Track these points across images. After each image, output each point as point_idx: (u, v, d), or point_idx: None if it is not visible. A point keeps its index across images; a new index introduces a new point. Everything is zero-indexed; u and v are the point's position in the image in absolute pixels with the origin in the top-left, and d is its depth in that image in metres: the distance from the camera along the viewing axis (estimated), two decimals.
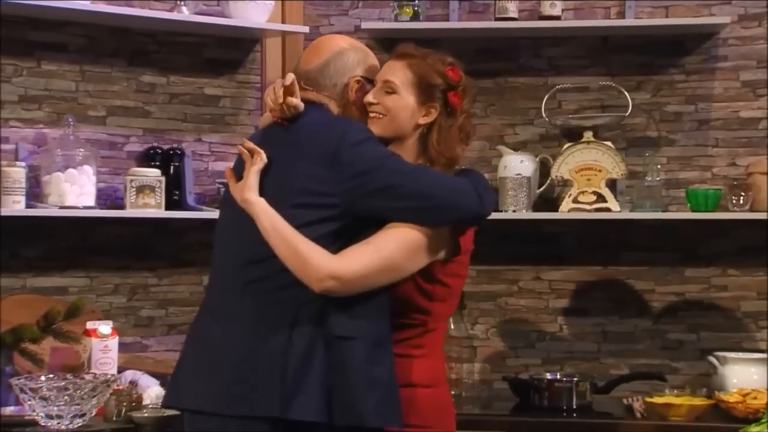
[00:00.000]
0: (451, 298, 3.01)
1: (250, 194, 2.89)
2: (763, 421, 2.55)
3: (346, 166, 2.83)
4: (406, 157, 2.94)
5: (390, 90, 2.96)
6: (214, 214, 4.18)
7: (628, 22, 4.48)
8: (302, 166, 2.90)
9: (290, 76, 3.04)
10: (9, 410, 3.65)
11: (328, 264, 2.76)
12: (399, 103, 2.96)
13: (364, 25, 4.43)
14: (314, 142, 2.93)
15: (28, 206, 3.94)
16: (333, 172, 2.84)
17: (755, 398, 3.87)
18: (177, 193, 4.25)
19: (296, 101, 3.00)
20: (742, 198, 4.29)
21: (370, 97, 2.99)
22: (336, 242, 2.82)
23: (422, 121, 2.95)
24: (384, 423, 2.82)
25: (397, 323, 2.89)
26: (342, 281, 2.76)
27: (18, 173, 3.90)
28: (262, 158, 2.94)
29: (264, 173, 2.95)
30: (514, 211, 4.35)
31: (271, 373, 2.79)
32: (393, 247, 2.81)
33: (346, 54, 3.10)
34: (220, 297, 3.00)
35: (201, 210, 4.29)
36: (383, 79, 2.99)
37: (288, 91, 3.00)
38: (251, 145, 2.97)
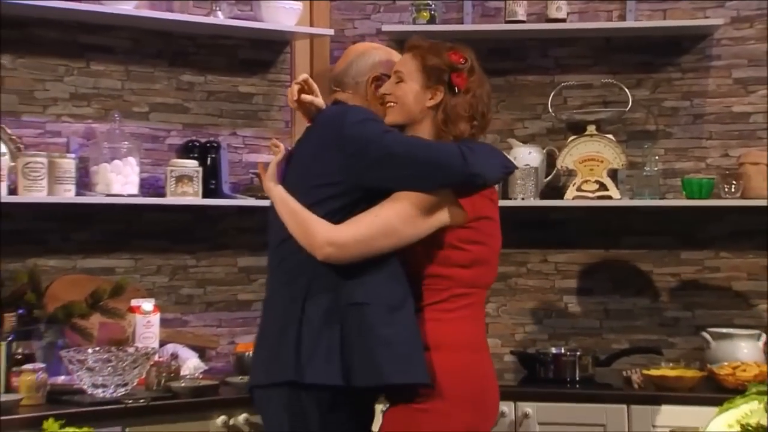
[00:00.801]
0: (477, 265, 2.93)
1: (268, 182, 2.97)
2: (748, 393, 2.51)
3: (347, 144, 2.84)
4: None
5: (399, 79, 2.98)
6: (247, 201, 4.23)
7: (629, 24, 4.45)
8: (313, 153, 2.95)
9: (302, 76, 3.08)
10: (60, 380, 3.68)
11: (326, 232, 2.79)
12: (406, 89, 2.96)
13: (385, 28, 4.41)
14: (323, 128, 2.98)
15: (77, 194, 3.95)
16: (336, 152, 2.86)
17: (744, 371, 3.86)
18: (213, 182, 4.25)
19: (309, 97, 3.03)
20: (733, 186, 4.26)
21: (382, 89, 3.01)
22: (348, 216, 2.83)
23: (429, 103, 2.94)
24: (404, 379, 2.79)
25: (421, 289, 2.88)
26: (339, 246, 2.78)
27: (69, 164, 3.91)
28: (280, 150, 2.99)
29: (289, 166, 3.00)
30: (522, 198, 4.34)
31: (287, 343, 2.81)
32: (389, 213, 2.81)
33: (368, 54, 3.14)
34: (267, 283, 3.09)
35: (235, 198, 4.29)
36: (393, 70, 3.01)
37: (302, 89, 3.03)
38: (275, 141, 3.05)
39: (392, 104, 2.98)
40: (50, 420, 2.01)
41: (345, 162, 2.84)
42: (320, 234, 2.80)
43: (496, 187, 3.10)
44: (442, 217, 2.84)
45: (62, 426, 2.01)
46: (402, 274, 2.86)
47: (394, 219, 2.81)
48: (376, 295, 2.82)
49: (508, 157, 4.30)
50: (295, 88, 3.04)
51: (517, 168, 2.96)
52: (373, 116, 2.94)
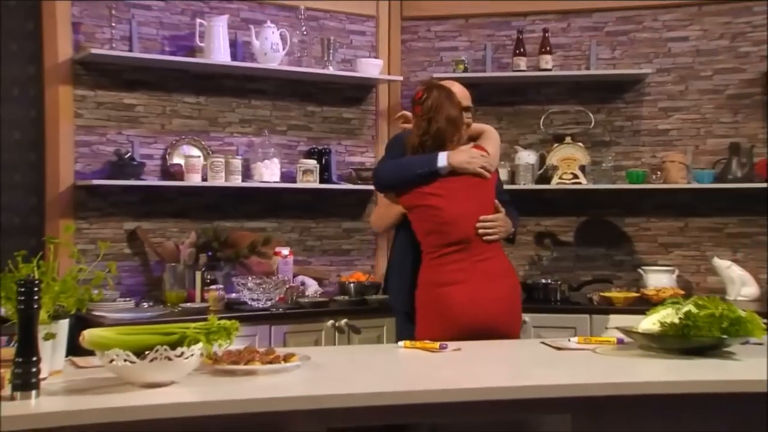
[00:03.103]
0: (430, 234, 2.80)
1: None
2: (666, 303, 2.54)
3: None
4: None
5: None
6: (348, 186, 4.28)
7: (592, 72, 4.40)
8: None
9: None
10: (232, 296, 3.77)
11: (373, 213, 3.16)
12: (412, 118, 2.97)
13: (435, 75, 4.37)
14: None
15: (243, 181, 4.02)
16: None
17: (664, 292, 3.86)
18: (327, 173, 4.29)
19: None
20: (659, 176, 4.23)
21: None
22: None
23: (412, 126, 2.94)
24: (394, 307, 3.05)
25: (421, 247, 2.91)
26: (372, 222, 3.22)
27: (237, 163, 4.00)
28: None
29: None
30: (524, 184, 4.34)
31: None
32: (381, 204, 3.11)
33: None
34: None
35: (340, 184, 4.33)
36: None
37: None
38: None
39: None
40: (212, 316, 2.02)
41: None
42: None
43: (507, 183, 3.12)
44: (398, 206, 2.91)
45: (219, 319, 2.02)
46: (411, 240, 2.90)
47: (381, 208, 3.07)
48: (399, 252, 3.01)
49: (515, 158, 4.38)
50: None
51: (441, 169, 2.79)
52: (393, 145, 3.04)
